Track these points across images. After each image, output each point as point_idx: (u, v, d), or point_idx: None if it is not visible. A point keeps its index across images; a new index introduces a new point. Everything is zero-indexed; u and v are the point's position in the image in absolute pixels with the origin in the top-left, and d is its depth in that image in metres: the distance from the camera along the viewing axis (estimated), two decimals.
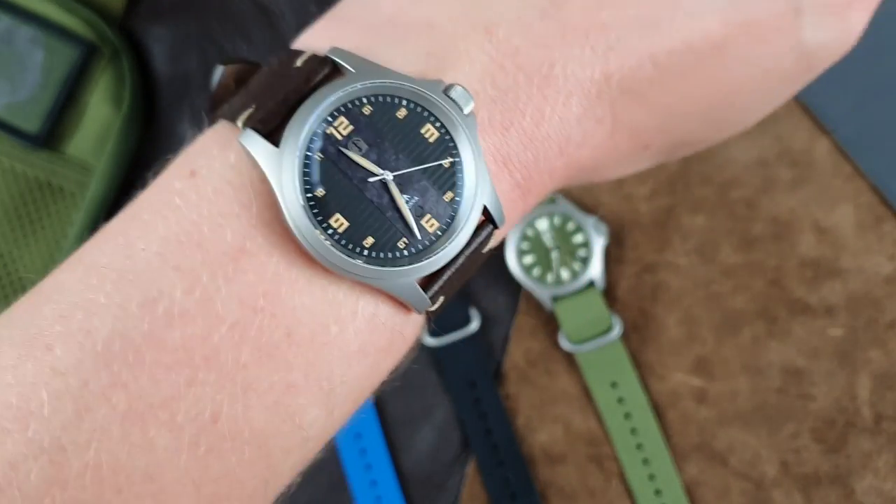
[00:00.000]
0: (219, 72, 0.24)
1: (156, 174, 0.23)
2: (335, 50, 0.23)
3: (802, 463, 0.41)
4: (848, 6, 0.26)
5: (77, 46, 0.42)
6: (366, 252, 0.21)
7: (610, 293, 0.43)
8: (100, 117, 0.42)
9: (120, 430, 0.19)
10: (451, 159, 0.22)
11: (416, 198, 0.22)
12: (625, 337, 0.43)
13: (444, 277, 0.23)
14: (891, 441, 0.41)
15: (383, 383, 0.24)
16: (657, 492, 0.42)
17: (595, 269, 0.42)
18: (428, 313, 0.24)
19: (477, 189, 0.22)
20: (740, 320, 0.42)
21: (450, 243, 0.22)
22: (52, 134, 0.42)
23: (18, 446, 0.19)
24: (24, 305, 0.21)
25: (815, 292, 0.42)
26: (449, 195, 0.22)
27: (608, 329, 0.42)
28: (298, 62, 0.23)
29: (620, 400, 0.42)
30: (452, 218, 0.22)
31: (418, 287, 0.22)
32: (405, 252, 0.22)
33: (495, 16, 0.24)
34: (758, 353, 0.42)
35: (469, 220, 0.22)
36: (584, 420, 0.43)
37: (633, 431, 0.42)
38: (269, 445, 0.21)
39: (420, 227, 0.22)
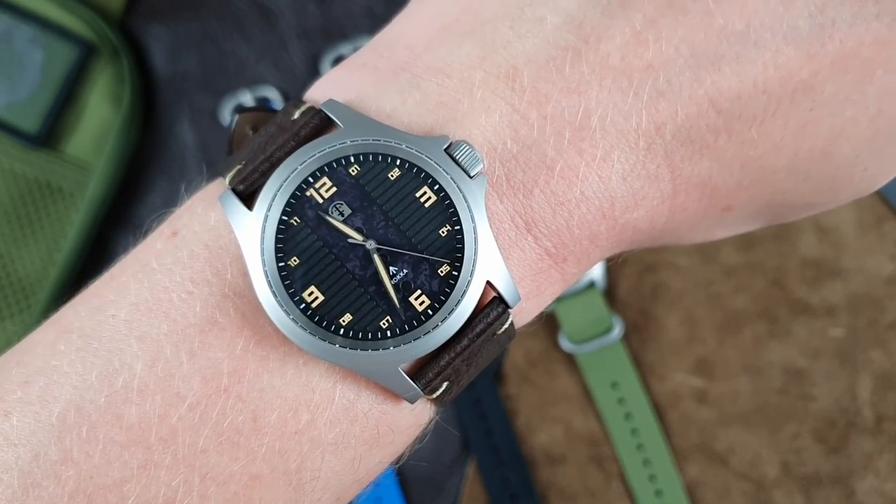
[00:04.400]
0: (233, 121, 0.22)
1: (146, 232, 0.21)
2: (329, 102, 0.20)
3: (803, 463, 0.41)
4: None
5: (76, 46, 0.42)
6: (342, 331, 0.19)
7: (610, 293, 0.43)
8: (99, 117, 0.42)
9: None
10: (448, 228, 0.20)
11: (406, 271, 0.19)
12: (625, 337, 0.43)
13: (443, 362, 0.20)
14: (892, 441, 0.41)
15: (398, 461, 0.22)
16: (658, 492, 0.42)
17: (596, 270, 0.42)
18: (433, 401, 0.21)
19: (476, 263, 0.19)
20: (741, 320, 0.42)
21: (442, 324, 0.19)
22: (51, 134, 0.42)
23: None
24: None
25: (816, 292, 0.42)
26: (444, 269, 0.19)
27: (609, 329, 0.42)
28: (296, 114, 0.21)
29: (621, 400, 0.42)
30: (447, 295, 0.19)
31: (402, 373, 0.20)
32: (388, 333, 0.19)
33: (520, 59, 0.20)
34: (758, 354, 0.42)
35: (466, 297, 0.19)
36: (585, 421, 0.43)
37: (634, 432, 0.42)
38: None
39: (406, 305, 0.19)
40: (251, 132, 0.22)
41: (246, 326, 0.19)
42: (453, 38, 0.21)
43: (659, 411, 0.42)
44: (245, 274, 0.19)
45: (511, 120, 0.20)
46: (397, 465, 0.22)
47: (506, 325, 0.21)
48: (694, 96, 0.20)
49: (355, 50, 0.44)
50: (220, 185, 0.21)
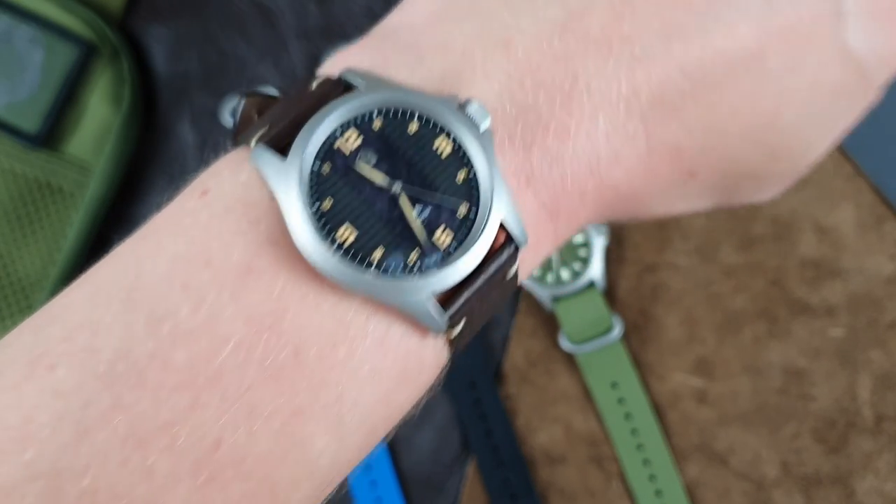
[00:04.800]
0: (241, 104, 0.23)
1: (170, 198, 0.22)
2: (347, 70, 0.22)
3: (803, 463, 0.41)
4: (894, 11, 0.24)
5: (76, 46, 0.42)
6: (374, 265, 0.21)
7: (610, 293, 0.43)
8: (99, 117, 0.42)
9: (119, 455, 0.19)
10: (465, 173, 0.22)
11: (429, 211, 0.21)
12: (625, 337, 0.43)
13: (462, 299, 0.22)
14: (892, 441, 0.41)
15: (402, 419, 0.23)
16: (658, 492, 0.42)
17: (595, 269, 0.42)
18: (450, 341, 0.23)
19: (492, 203, 0.22)
20: (741, 320, 0.42)
21: (464, 257, 0.21)
22: (51, 134, 0.42)
23: (15, 470, 0.18)
24: (31, 324, 0.21)
25: (816, 292, 0.42)
26: (463, 209, 0.22)
27: (608, 329, 0.42)
28: (313, 86, 0.22)
29: (621, 400, 0.42)
30: (467, 233, 0.22)
31: (432, 303, 0.21)
32: (415, 267, 0.21)
33: (514, 33, 0.23)
34: (758, 354, 0.42)
35: (484, 234, 0.21)
36: (585, 420, 0.43)
37: (634, 432, 0.42)
38: (275, 476, 0.20)
39: (432, 241, 0.21)
40: (258, 116, 0.23)
41: (282, 270, 0.20)
42: (453, 18, 0.24)
43: (659, 411, 0.42)
44: (278, 223, 0.21)
45: (509, 86, 0.23)
46: (416, 411, 0.24)
47: (513, 269, 0.23)
48: (665, 63, 0.23)
49: None
50: (243, 151, 0.22)
